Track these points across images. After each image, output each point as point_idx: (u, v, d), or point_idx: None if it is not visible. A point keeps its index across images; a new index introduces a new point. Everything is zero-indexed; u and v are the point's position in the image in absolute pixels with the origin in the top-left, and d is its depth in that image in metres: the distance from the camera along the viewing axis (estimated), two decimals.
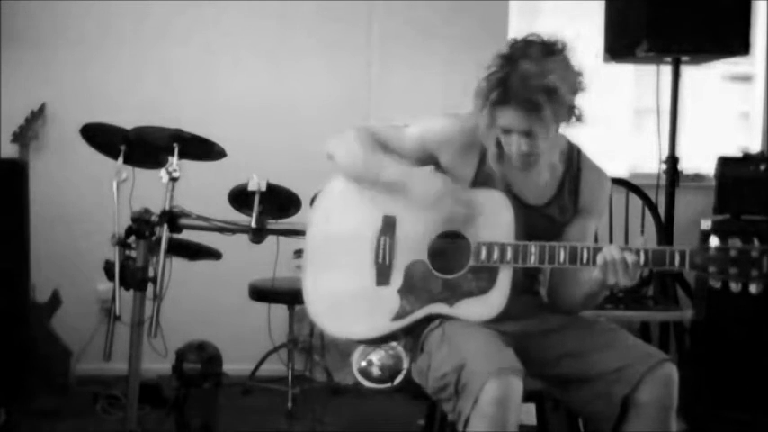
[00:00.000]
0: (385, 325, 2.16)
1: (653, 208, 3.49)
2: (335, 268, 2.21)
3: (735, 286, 1.95)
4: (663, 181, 3.69)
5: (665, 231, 3.56)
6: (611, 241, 3.30)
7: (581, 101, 2.07)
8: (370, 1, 4.30)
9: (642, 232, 3.49)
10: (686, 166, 3.72)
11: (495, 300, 2.08)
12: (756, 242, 1.93)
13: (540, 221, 2.16)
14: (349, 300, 2.19)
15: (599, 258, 1.98)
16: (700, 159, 4.15)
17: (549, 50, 2.01)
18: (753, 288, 1.93)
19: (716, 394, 3.42)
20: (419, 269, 2.14)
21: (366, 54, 4.33)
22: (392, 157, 2.21)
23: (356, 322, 2.19)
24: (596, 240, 2.24)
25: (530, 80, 1.95)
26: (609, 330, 2.15)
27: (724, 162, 3.64)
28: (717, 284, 1.98)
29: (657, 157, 3.71)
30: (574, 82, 2.03)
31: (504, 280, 2.08)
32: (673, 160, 3.65)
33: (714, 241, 1.96)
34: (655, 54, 3.47)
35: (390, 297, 2.15)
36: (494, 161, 2.13)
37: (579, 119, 2.09)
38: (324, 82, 4.31)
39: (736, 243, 1.94)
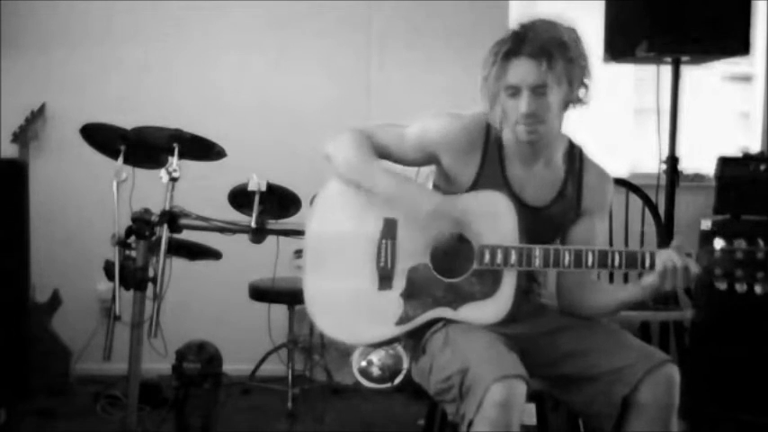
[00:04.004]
0: (388, 330, 2.14)
1: (653, 208, 3.49)
2: (336, 271, 2.19)
3: (740, 288, 1.95)
4: (663, 181, 3.69)
5: (665, 231, 3.56)
6: (610, 242, 3.30)
7: (588, 84, 2.11)
8: (369, 1, 4.31)
9: (642, 232, 3.49)
10: (686, 166, 3.71)
11: (500, 303, 2.07)
12: (761, 243, 1.93)
13: (542, 222, 2.16)
14: (351, 304, 2.17)
15: (658, 264, 1.96)
16: (700, 159, 4.15)
17: (559, 20, 2.08)
18: (758, 289, 1.93)
19: (716, 394, 3.42)
20: (422, 273, 2.13)
21: (365, 54, 4.33)
22: (391, 158, 2.21)
23: (359, 326, 2.17)
24: (611, 242, 2.24)
25: (544, 33, 2.01)
26: (610, 331, 2.15)
27: (724, 162, 3.64)
28: (722, 286, 1.97)
29: (657, 157, 3.71)
30: (583, 52, 2.08)
31: (509, 283, 2.07)
32: (673, 160, 3.64)
33: (719, 243, 1.95)
34: (655, 54, 3.47)
35: (393, 301, 2.14)
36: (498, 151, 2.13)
37: (583, 100, 2.11)
38: (323, 82, 4.31)
39: (741, 244, 1.94)
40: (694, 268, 1.95)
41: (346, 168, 2.19)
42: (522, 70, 2.01)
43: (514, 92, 2.04)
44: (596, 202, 2.23)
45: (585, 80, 2.10)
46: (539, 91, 2.02)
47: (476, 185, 2.16)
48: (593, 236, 2.21)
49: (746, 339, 3.39)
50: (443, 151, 2.18)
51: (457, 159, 2.17)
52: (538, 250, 2.04)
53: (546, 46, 2.00)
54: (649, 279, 1.99)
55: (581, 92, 2.10)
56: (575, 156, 2.22)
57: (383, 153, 2.22)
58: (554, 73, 2.00)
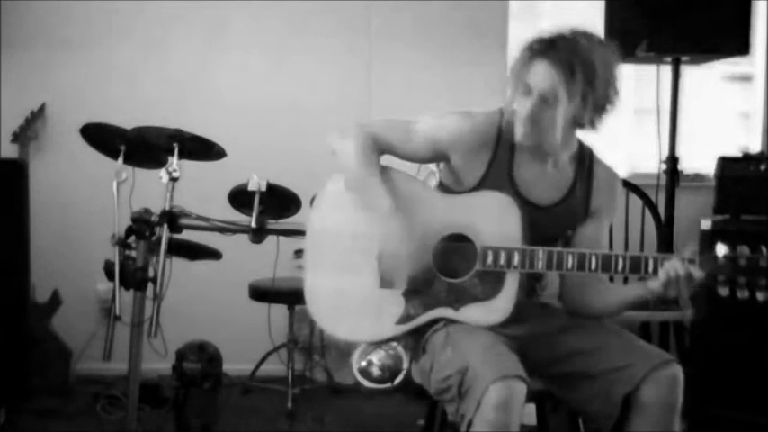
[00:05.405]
0: (389, 328, 2.15)
1: (653, 208, 3.49)
2: (338, 269, 2.19)
3: (742, 294, 1.95)
4: (663, 181, 3.69)
5: (665, 231, 3.56)
6: (610, 241, 3.29)
7: (605, 113, 2.08)
8: (369, 1, 4.30)
9: (642, 232, 3.49)
10: (686, 166, 3.72)
11: (502, 305, 2.07)
12: (765, 250, 1.93)
13: (548, 222, 2.15)
14: (352, 302, 2.17)
15: (662, 274, 1.96)
16: (700, 159, 4.15)
17: (605, 42, 2.05)
18: (760, 296, 1.93)
19: (716, 394, 3.42)
20: (424, 272, 2.12)
21: (366, 54, 4.33)
22: (397, 155, 2.21)
23: (359, 325, 2.17)
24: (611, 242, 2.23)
25: (576, 46, 1.98)
26: (614, 331, 2.15)
27: (724, 162, 3.64)
28: (724, 293, 1.97)
29: (657, 157, 3.71)
30: (611, 80, 2.03)
31: (511, 285, 2.06)
32: (673, 160, 3.64)
33: (722, 249, 1.95)
34: (655, 54, 3.47)
35: (394, 300, 2.14)
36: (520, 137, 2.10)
37: (594, 125, 2.08)
38: (324, 81, 4.31)
39: (744, 251, 1.93)
40: (697, 275, 1.94)
41: (345, 172, 2.20)
42: (540, 73, 2.00)
43: (528, 91, 2.03)
44: (605, 203, 2.22)
45: (608, 106, 2.06)
46: (548, 100, 2.01)
47: (481, 185, 2.15)
48: (602, 236, 2.21)
49: (746, 340, 3.39)
50: (454, 151, 2.17)
51: (467, 159, 2.16)
52: (541, 252, 2.03)
53: (571, 59, 1.97)
54: (653, 285, 1.99)
55: (595, 116, 2.06)
56: (585, 156, 2.22)
57: (389, 151, 2.21)
58: (569, 88, 1.98)
